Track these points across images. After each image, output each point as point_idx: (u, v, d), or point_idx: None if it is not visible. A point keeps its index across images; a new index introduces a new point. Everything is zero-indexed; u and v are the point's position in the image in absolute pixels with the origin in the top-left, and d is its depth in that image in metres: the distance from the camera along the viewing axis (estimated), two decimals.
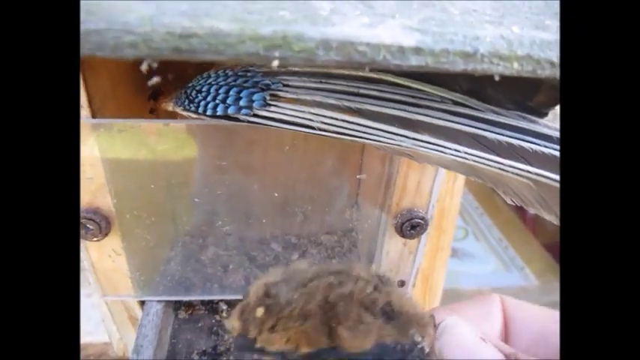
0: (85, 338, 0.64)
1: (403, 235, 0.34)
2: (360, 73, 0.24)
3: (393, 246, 0.37)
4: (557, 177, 0.19)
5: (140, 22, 0.15)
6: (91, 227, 0.31)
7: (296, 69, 0.26)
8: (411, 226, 0.34)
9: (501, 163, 0.20)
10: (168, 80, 0.45)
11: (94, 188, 0.31)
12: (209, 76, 0.30)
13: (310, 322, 0.17)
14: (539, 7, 0.19)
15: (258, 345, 0.17)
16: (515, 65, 0.16)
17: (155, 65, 0.16)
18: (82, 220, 0.31)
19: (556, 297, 0.95)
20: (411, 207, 0.34)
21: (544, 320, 0.21)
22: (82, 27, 0.15)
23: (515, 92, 0.22)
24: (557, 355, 0.17)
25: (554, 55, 0.16)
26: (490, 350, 0.18)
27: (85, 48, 0.15)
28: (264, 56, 0.15)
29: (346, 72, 0.24)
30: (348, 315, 0.16)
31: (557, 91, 0.22)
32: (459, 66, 0.16)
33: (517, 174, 0.20)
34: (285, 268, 0.19)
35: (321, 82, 0.25)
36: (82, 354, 0.68)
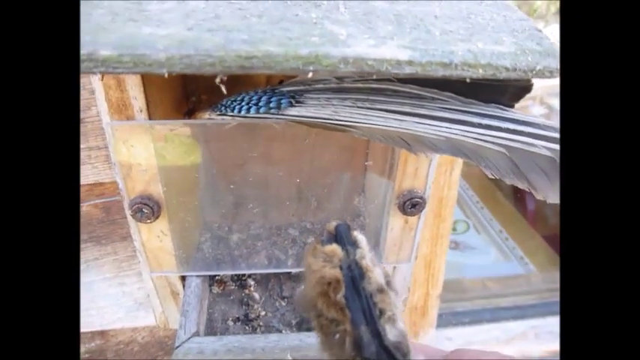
0: (115, 324, 0.69)
1: (405, 213, 0.41)
2: (368, 85, 0.30)
3: (396, 223, 0.43)
4: (524, 139, 0.26)
5: (216, 48, 0.21)
6: (145, 211, 0.38)
7: (316, 86, 0.32)
8: (412, 205, 0.40)
9: (480, 134, 0.26)
10: (202, 101, 0.52)
11: (148, 178, 0.38)
12: (241, 93, 0.37)
13: None
14: (499, 25, 0.26)
15: None
16: (480, 71, 0.23)
17: (225, 79, 0.22)
18: (137, 205, 0.38)
19: (556, 285, 1.00)
20: (410, 188, 0.40)
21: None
22: (177, 52, 0.21)
23: (488, 94, 0.28)
24: None
25: (508, 62, 0.23)
26: None
27: (178, 67, 0.22)
28: (302, 69, 0.22)
29: (357, 85, 0.31)
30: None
31: (520, 91, 0.28)
32: (440, 72, 0.23)
33: (493, 142, 0.26)
34: None
35: (337, 92, 0.31)
36: (113, 340, 0.73)
